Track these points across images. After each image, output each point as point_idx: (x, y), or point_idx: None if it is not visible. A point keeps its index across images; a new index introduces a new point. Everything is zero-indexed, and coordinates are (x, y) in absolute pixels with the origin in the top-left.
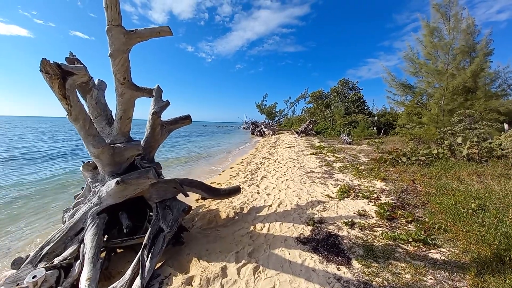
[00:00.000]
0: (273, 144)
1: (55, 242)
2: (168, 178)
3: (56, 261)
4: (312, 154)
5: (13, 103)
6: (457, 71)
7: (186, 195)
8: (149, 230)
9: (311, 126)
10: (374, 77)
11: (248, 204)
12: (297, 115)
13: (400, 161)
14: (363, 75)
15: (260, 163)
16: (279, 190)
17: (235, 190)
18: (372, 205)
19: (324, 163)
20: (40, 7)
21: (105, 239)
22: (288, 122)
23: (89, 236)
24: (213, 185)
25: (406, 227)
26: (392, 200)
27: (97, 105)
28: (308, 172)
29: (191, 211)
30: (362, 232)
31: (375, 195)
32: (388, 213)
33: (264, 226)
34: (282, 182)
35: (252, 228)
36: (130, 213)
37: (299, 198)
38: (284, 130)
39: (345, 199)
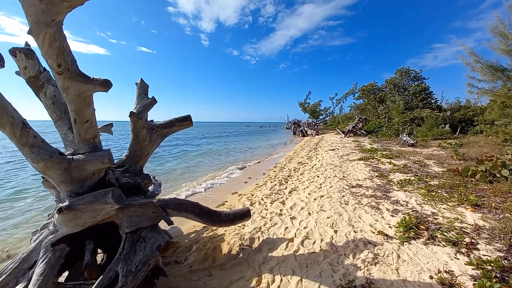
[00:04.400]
0: (314, 146)
1: (6, 274)
2: (145, 200)
3: None
4: (361, 159)
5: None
6: None
7: (170, 223)
8: (99, 278)
9: (361, 124)
10: (442, 65)
11: (262, 232)
12: (345, 112)
13: (498, 175)
14: (428, 63)
15: (294, 170)
16: (309, 213)
17: (243, 215)
18: (466, 263)
19: (376, 173)
20: (113, 28)
21: (65, 278)
22: (334, 120)
23: (34, 276)
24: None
25: None
26: (500, 251)
27: (54, 106)
28: (353, 186)
29: (193, 235)
30: None
31: (466, 239)
32: (498, 286)
33: (273, 281)
34: (315, 199)
35: (255, 281)
36: (104, 240)
37: (335, 232)
38: (329, 129)
39: (412, 241)
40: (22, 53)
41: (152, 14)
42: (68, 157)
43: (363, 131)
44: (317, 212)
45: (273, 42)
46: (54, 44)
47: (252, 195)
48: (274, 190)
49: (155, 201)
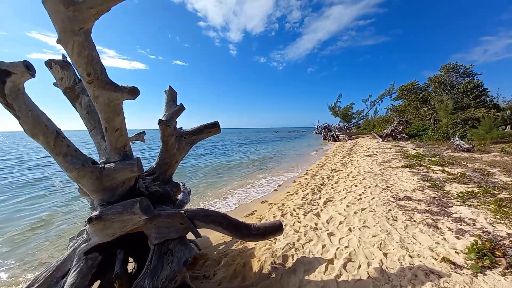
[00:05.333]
0: (347, 152)
1: (40, 283)
2: (173, 210)
3: None
4: (405, 166)
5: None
6: None
7: (197, 235)
8: None
9: (401, 127)
10: (493, 59)
11: (296, 249)
12: (381, 115)
13: None
14: (477, 58)
15: (328, 178)
16: (349, 229)
17: (274, 230)
18: None
19: (428, 183)
20: (152, 45)
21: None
22: (369, 124)
23: (66, 286)
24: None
25: None
26: None
27: (89, 116)
28: (400, 199)
29: (223, 246)
30: None
31: None
32: None
33: None
34: (355, 212)
35: None
36: (135, 250)
37: (385, 255)
38: (364, 133)
39: (488, 271)
40: (58, 65)
41: (185, 30)
42: (100, 166)
43: (403, 135)
44: (359, 229)
45: (300, 46)
46: (83, 52)
47: (283, 204)
48: (307, 199)
49: (182, 211)
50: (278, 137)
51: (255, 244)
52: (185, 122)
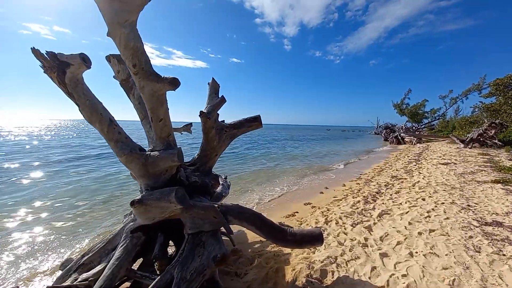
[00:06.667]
0: (414, 157)
1: (93, 253)
2: (207, 203)
3: (73, 280)
4: (497, 181)
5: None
6: None
7: (229, 232)
8: (156, 279)
9: (493, 131)
10: None
11: (338, 266)
12: (463, 115)
13: None
14: None
15: (386, 186)
16: (410, 253)
17: (312, 239)
18: None
19: None
20: (212, 45)
21: (138, 265)
22: (446, 125)
23: (112, 259)
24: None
25: None
26: None
27: (140, 106)
28: (487, 223)
29: (258, 246)
30: None
31: None
32: None
33: None
34: (420, 233)
35: None
36: (174, 234)
37: None
38: (438, 136)
39: None
40: (115, 59)
41: (242, 28)
42: (146, 153)
43: (496, 141)
44: (424, 255)
45: (362, 37)
46: (129, 44)
47: (328, 210)
48: (357, 208)
49: (216, 205)
50: (330, 136)
51: (291, 250)
52: (235, 116)
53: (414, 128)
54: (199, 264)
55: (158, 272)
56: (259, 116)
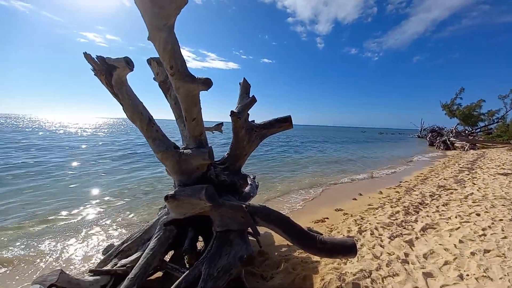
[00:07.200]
0: (467, 165)
1: (131, 241)
2: (236, 203)
3: (113, 265)
4: None
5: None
6: None
7: (256, 233)
8: (185, 274)
9: None
10: None
11: (373, 281)
12: None
13: None
14: None
15: (431, 196)
16: (460, 275)
17: (344, 250)
18: None
19: None
20: (244, 46)
21: (170, 257)
22: (507, 130)
23: (147, 250)
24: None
25: None
26: None
27: (176, 106)
28: None
29: (285, 249)
30: None
31: None
32: None
33: None
34: (473, 254)
35: None
36: (204, 230)
37: None
38: (497, 142)
39: None
40: (155, 61)
41: (274, 28)
42: (180, 151)
43: None
44: (476, 279)
45: (405, 31)
46: (167, 47)
47: (362, 218)
48: (396, 219)
49: (244, 205)
50: (367, 138)
51: (320, 258)
52: (264, 116)
53: (466, 132)
54: (226, 262)
55: (187, 266)
56: (289, 116)
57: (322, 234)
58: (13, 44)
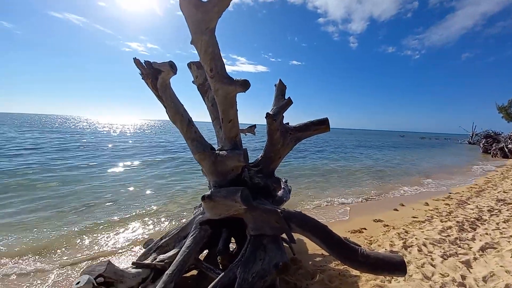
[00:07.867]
0: None
1: (169, 237)
2: (270, 207)
3: (153, 259)
4: None
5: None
6: None
7: (291, 241)
8: (220, 276)
9: None
10: None
11: None
12: None
13: None
14: None
15: (489, 211)
16: None
17: (390, 267)
18: None
19: None
20: (273, 49)
21: (204, 257)
22: None
23: (183, 247)
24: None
25: None
26: None
27: (213, 108)
28: None
29: (319, 259)
30: None
31: None
32: None
33: None
34: None
35: None
36: (237, 232)
37: None
38: None
39: None
40: (195, 65)
41: (304, 30)
42: (216, 152)
43: None
44: None
45: (450, 26)
46: (208, 50)
47: (406, 232)
48: (448, 236)
49: (279, 210)
50: (406, 143)
51: (360, 273)
52: (293, 119)
53: None
54: (260, 268)
55: (220, 266)
56: (326, 119)
57: (360, 246)
58: (67, 54)
